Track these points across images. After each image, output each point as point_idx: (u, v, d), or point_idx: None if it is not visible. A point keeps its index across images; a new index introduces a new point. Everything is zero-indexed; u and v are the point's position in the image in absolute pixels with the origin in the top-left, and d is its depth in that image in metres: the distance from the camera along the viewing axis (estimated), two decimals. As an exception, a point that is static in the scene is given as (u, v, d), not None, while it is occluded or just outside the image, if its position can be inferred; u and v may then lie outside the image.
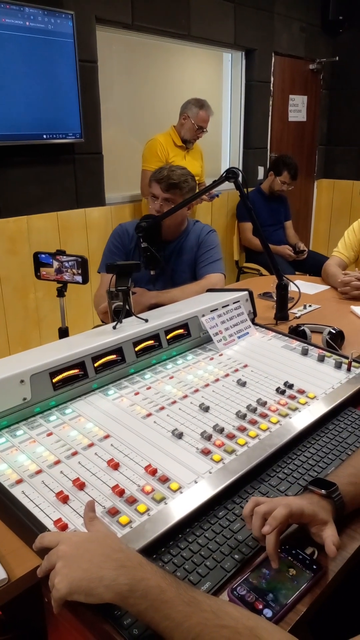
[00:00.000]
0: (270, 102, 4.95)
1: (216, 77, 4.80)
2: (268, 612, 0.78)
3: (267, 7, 4.57)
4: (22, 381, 1.14)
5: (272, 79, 4.88)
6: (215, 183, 1.92)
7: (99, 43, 3.39)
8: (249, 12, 4.40)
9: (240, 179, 1.88)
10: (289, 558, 0.87)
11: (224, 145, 4.97)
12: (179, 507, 0.92)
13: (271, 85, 4.90)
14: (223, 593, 0.82)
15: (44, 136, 3.13)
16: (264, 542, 0.86)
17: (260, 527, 0.86)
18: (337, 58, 5.41)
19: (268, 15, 4.61)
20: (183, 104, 3.75)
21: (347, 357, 1.47)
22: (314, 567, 0.86)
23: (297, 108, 5.29)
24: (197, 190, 2.25)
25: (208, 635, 0.68)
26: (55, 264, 1.77)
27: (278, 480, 1.05)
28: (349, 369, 1.44)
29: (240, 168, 4.89)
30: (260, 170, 5.00)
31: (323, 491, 0.92)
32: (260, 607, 0.79)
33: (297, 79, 5.20)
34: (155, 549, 0.87)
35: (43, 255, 1.78)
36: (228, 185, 1.89)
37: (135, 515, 0.89)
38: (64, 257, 1.75)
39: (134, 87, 4.23)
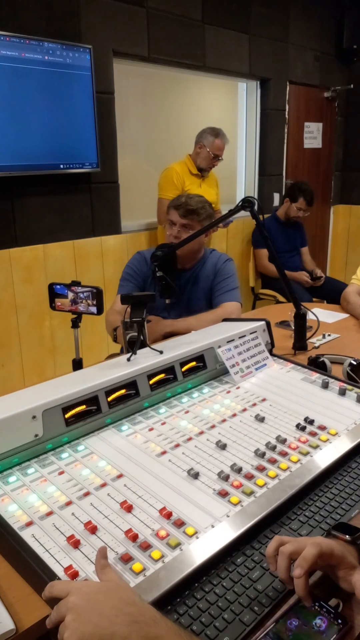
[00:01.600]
0: (286, 130, 4.98)
1: (231, 105, 4.85)
2: None
3: (282, 37, 4.63)
4: (34, 417, 1.11)
5: (287, 107, 4.92)
6: (231, 212, 1.91)
7: (115, 74, 3.45)
8: (263, 43, 4.46)
9: (255, 207, 1.87)
10: (316, 607, 0.81)
11: (239, 172, 4.99)
12: (195, 553, 0.87)
13: (286, 113, 4.93)
14: (242, 650, 0.77)
15: (61, 166, 3.17)
16: (290, 583, 0.81)
17: (287, 568, 0.81)
18: (351, 86, 5.45)
19: (282, 45, 4.67)
20: (198, 132, 3.78)
21: (369, 391, 1.42)
22: (339, 620, 0.80)
23: (313, 135, 5.31)
24: (214, 218, 2.24)
25: None
26: (70, 295, 1.75)
27: (299, 524, 0.99)
28: (371, 403, 1.39)
29: (256, 195, 4.91)
30: (276, 196, 5.00)
31: (347, 537, 0.88)
32: None
33: (312, 107, 5.24)
34: (170, 599, 0.82)
35: (58, 287, 1.77)
36: (243, 212, 1.89)
37: (149, 563, 0.85)
38: (79, 288, 1.74)
39: (150, 117, 4.29)
